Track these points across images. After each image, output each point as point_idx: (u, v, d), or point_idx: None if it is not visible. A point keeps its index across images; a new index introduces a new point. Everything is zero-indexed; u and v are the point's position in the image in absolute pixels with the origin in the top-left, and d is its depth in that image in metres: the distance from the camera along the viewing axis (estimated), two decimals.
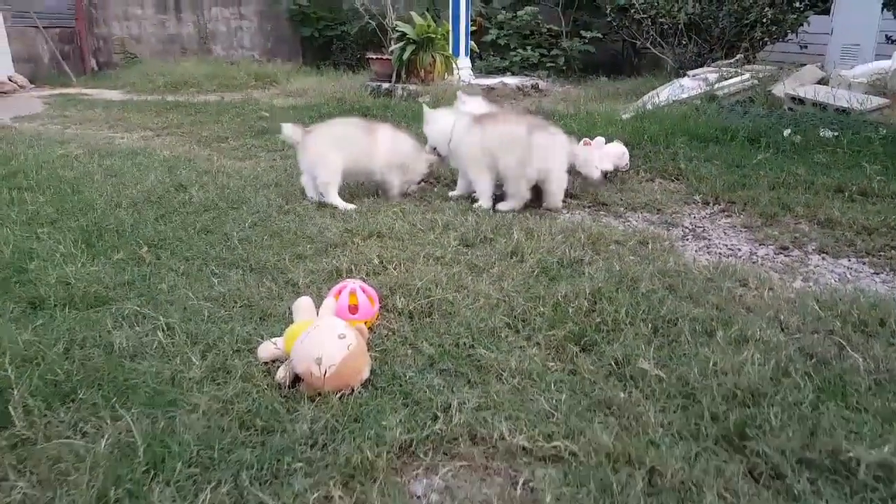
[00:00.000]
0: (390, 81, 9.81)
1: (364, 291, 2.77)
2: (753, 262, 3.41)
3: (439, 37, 9.68)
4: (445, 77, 9.81)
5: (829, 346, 2.43)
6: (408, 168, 4.60)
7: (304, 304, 2.64)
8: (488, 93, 9.41)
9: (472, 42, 10.74)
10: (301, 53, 15.57)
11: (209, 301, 2.96)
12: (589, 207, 4.35)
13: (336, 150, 4.44)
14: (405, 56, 9.48)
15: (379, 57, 10.30)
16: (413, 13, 9.93)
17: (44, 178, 5.22)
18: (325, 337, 2.27)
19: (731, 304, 2.82)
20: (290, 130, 4.48)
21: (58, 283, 3.11)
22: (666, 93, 7.26)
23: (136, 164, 5.74)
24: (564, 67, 12.09)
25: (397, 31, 9.74)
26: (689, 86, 7.33)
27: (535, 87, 10.19)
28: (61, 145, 6.82)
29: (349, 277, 2.96)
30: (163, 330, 2.65)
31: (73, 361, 2.43)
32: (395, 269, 3.29)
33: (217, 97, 10.40)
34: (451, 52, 10.05)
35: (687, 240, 3.73)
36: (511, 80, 10.22)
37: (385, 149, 4.51)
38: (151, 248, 3.63)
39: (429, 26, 9.57)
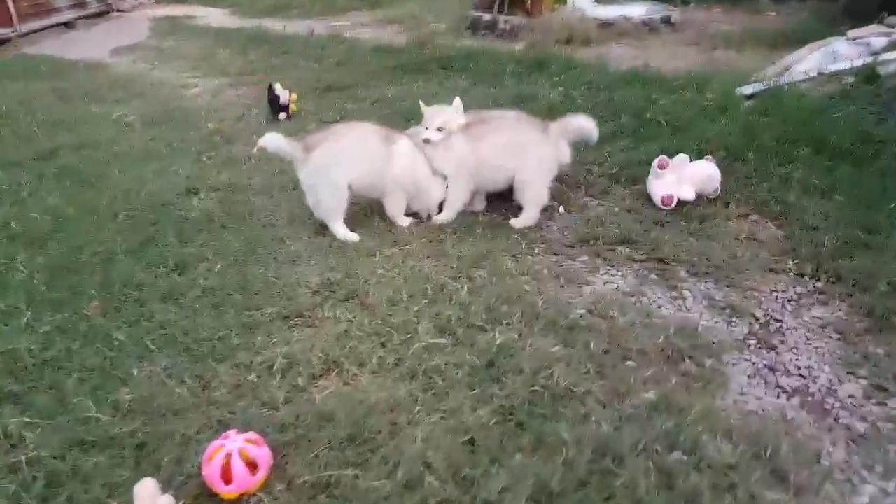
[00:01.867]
0: (492, 12, 8.66)
1: (245, 454, 2.12)
2: (826, 410, 2.37)
3: None
4: (555, 7, 8.50)
5: None
6: (421, 193, 3.76)
7: (144, 490, 2.03)
8: (605, 29, 8.08)
9: None
10: None
11: (104, 417, 2.49)
12: (641, 262, 3.33)
13: (343, 168, 3.66)
14: None
15: None
16: None
17: (72, 165, 5.00)
18: None
19: None
20: (280, 144, 3.71)
21: None
22: (812, 60, 5.42)
23: (170, 147, 5.29)
24: None
25: None
26: (843, 53, 5.31)
27: (666, 20, 8.59)
28: (125, 105, 6.56)
29: (241, 432, 2.29)
30: None
31: None
32: (334, 377, 2.60)
33: (309, 27, 9.70)
34: None
35: (747, 350, 2.71)
36: (636, 11, 8.68)
37: (399, 167, 3.68)
38: (107, 298, 3.25)
39: None
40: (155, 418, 2.49)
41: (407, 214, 3.86)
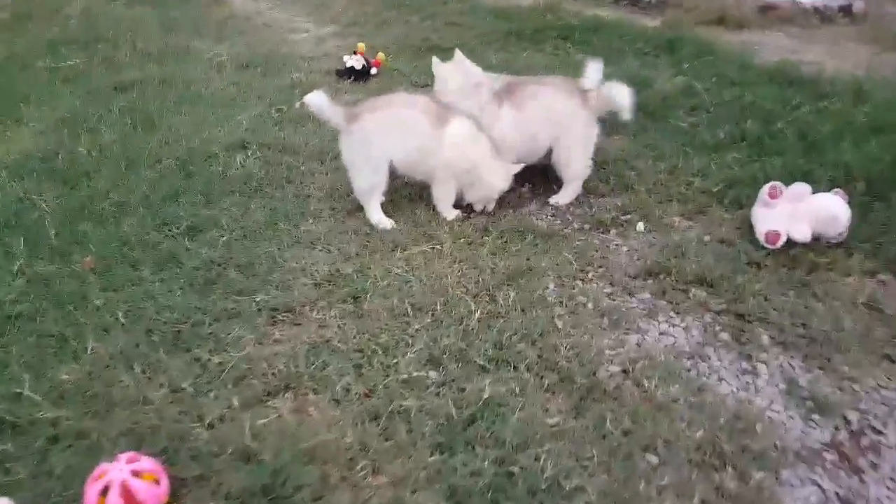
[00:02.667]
0: None
1: (127, 489, 1.72)
2: None
3: None
4: None
5: None
6: (478, 181, 3.19)
7: None
8: (765, 13, 7.01)
9: None
10: None
11: (34, 396, 2.20)
12: (715, 314, 2.62)
13: (384, 145, 3.18)
14: None
15: None
16: None
17: (143, 101, 4.83)
18: None
19: None
20: (323, 105, 3.23)
21: None
22: None
23: (246, 94, 5.02)
24: None
25: None
26: None
27: (846, 9, 7.30)
28: (225, 43, 6.38)
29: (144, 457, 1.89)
30: None
31: None
32: (287, 399, 2.14)
33: None
34: None
35: (820, 467, 1.99)
36: None
37: (454, 147, 3.13)
38: (104, 255, 2.97)
39: None
40: (82, 409, 2.14)
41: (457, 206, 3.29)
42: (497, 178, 3.19)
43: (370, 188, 3.21)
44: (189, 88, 5.07)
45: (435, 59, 3.39)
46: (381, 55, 5.53)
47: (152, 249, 3.01)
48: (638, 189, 3.48)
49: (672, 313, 2.62)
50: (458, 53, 3.37)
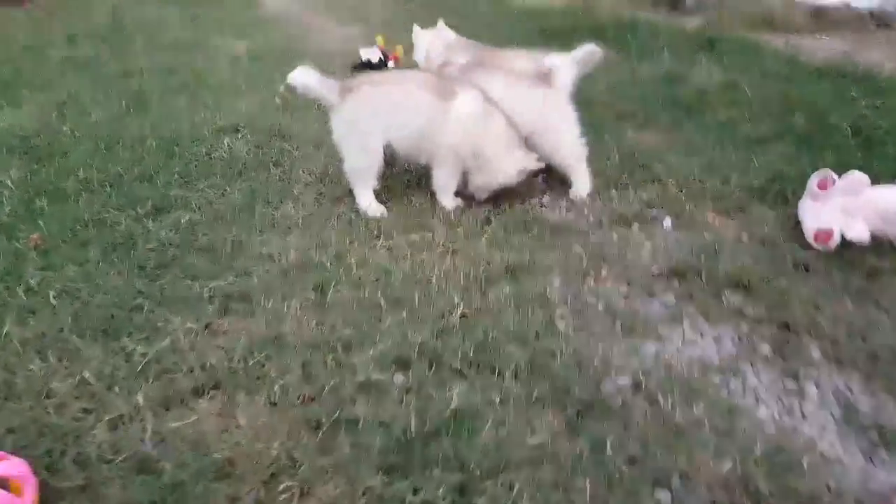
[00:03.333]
0: None
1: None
2: None
3: None
4: None
5: None
6: (485, 165, 2.78)
7: None
8: (817, 17, 6.51)
9: None
10: None
11: None
12: (753, 322, 2.14)
13: (379, 123, 2.79)
14: None
15: None
16: None
17: (145, 88, 4.58)
18: None
19: None
20: (310, 81, 2.86)
21: None
22: None
23: (254, 82, 4.71)
24: None
25: None
26: None
27: None
28: (247, 38, 6.13)
29: None
30: None
31: None
32: (215, 399, 1.73)
33: None
34: None
35: None
36: (866, 2, 6.91)
37: (460, 125, 2.71)
38: (55, 232, 2.63)
39: None
40: None
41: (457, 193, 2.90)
42: (506, 165, 2.77)
43: (361, 170, 2.82)
44: (195, 76, 4.78)
45: (416, 27, 3.03)
46: (399, 49, 5.18)
47: (108, 229, 2.68)
48: (667, 183, 3.04)
49: (701, 320, 2.16)
50: (440, 22, 3.00)
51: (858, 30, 6.45)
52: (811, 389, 1.84)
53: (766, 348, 2.01)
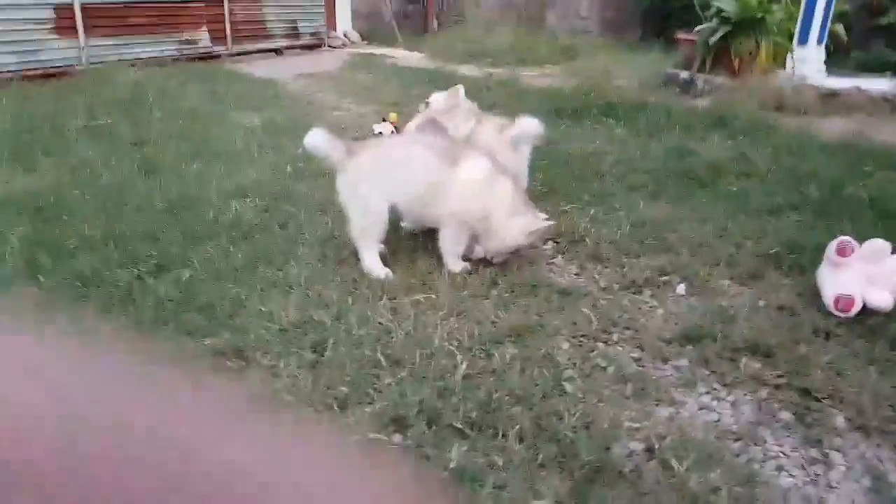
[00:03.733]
0: (691, 70, 7.46)
1: None
2: None
3: (771, 18, 6.99)
4: (771, 71, 7.10)
5: None
6: (493, 229, 2.73)
7: None
8: (828, 100, 6.56)
9: (840, 27, 7.67)
10: (641, 25, 13.51)
11: None
12: (772, 388, 2.02)
13: (384, 186, 2.78)
14: (712, 40, 7.05)
15: (687, 37, 7.95)
16: None
17: (157, 154, 4.66)
18: None
19: None
20: (322, 141, 2.86)
21: None
22: None
23: (267, 151, 4.75)
24: None
25: (713, 5, 7.28)
26: None
27: None
28: (263, 112, 6.22)
29: None
30: None
31: None
32: None
33: (486, 73, 9.03)
34: (795, 36, 7.26)
35: None
36: (878, 85, 6.98)
37: (467, 190, 2.69)
38: (57, 285, 2.61)
39: (759, 3, 6.97)
40: None
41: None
42: (514, 229, 2.72)
43: (367, 231, 2.78)
44: (209, 145, 4.82)
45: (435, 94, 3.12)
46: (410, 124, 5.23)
47: (108, 285, 2.62)
48: (680, 250, 2.96)
49: (716, 385, 2.05)
50: (460, 87, 3.08)
51: (872, 112, 6.48)
52: (836, 458, 1.71)
53: (786, 415, 1.88)
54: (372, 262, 2.76)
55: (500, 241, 2.76)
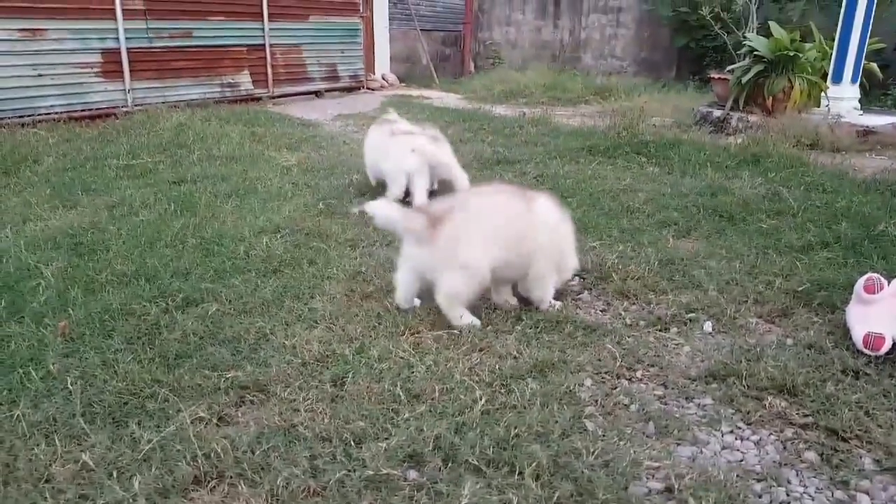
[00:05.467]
0: (724, 108, 7.43)
1: None
2: None
3: (806, 56, 6.96)
4: (805, 109, 7.04)
5: None
6: (563, 264, 2.79)
7: None
8: (863, 138, 6.48)
9: (874, 65, 7.59)
10: (676, 65, 13.54)
11: None
12: (798, 427, 1.97)
13: (484, 245, 2.61)
14: (745, 78, 7.04)
15: (720, 76, 7.94)
16: (773, 23, 7.34)
17: (194, 192, 4.76)
18: None
19: None
20: (391, 215, 2.72)
21: None
22: None
23: (301, 189, 4.85)
24: None
25: (746, 44, 7.28)
26: None
27: None
28: (300, 152, 6.34)
29: None
30: None
31: None
32: (213, 495, 1.65)
33: (520, 112, 9.10)
34: (829, 74, 7.21)
35: None
36: None
37: (545, 230, 2.71)
38: (84, 320, 2.66)
39: (792, 41, 6.96)
40: None
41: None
42: (572, 263, 2.77)
43: (463, 295, 2.63)
44: (245, 184, 4.93)
45: None
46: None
47: (136, 318, 2.68)
48: (707, 287, 2.93)
49: (741, 424, 2.01)
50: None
51: None
52: (864, 501, 1.66)
53: (812, 455, 1.84)
54: (467, 319, 2.66)
55: (565, 275, 2.80)
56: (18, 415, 2.01)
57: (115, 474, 1.72)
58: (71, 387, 2.18)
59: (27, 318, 2.64)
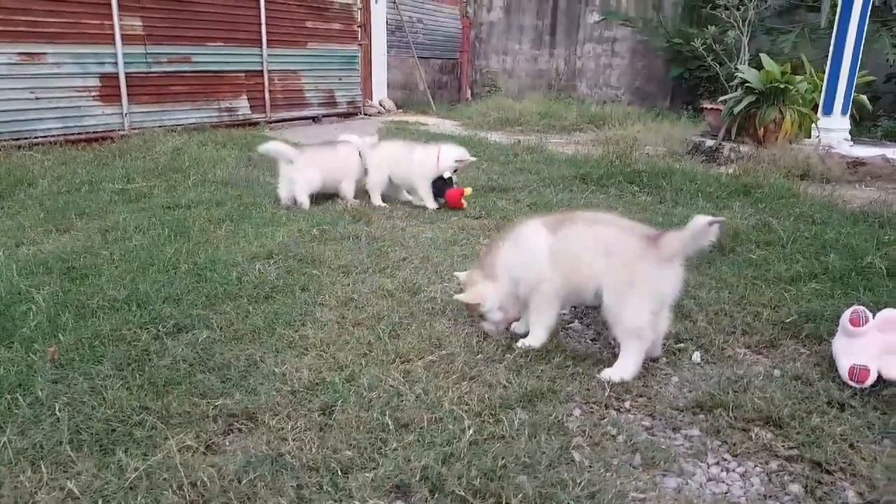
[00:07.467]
0: (716, 138, 7.52)
1: None
2: None
3: (796, 88, 7.06)
4: (796, 140, 7.12)
5: None
6: None
7: None
8: (853, 169, 6.56)
9: (864, 97, 7.70)
10: (670, 95, 13.69)
11: None
12: (784, 460, 1.98)
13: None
14: (737, 109, 7.13)
15: (712, 107, 8.04)
16: (764, 55, 7.45)
17: (188, 218, 4.76)
18: None
19: None
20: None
21: None
22: None
23: (294, 212, 4.86)
24: None
25: (737, 76, 7.39)
26: None
27: None
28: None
29: None
30: None
31: None
32: None
33: (515, 140, 9.17)
34: (820, 106, 7.31)
35: None
36: None
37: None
38: (74, 345, 2.66)
39: (783, 73, 7.06)
40: None
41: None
42: None
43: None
44: (240, 209, 4.95)
45: None
46: (468, 190, 5.27)
47: (126, 344, 2.68)
48: (696, 318, 2.95)
49: (727, 455, 2.02)
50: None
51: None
52: None
53: (796, 488, 1.84)
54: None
55: None
56: (5, 441, 2.00)
57: (100, 502, 1.71)
58: (59, 413, 2.17)
59: (17, 343, 2.64)
